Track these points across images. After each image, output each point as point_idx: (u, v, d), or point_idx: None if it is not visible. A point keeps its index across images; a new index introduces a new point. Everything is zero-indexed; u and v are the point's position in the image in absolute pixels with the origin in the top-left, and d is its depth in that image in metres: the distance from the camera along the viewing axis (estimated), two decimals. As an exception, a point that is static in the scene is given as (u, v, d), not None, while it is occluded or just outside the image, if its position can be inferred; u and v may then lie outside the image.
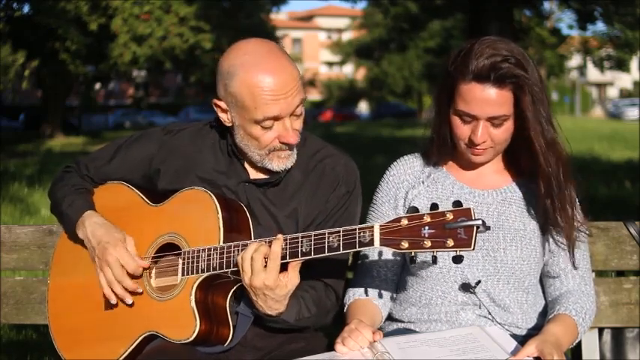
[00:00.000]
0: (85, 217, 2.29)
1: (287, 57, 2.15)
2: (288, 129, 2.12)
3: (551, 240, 2.22)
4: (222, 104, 2.16)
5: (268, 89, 2.07)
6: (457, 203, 1.84)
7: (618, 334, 2.49)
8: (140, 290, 2.19)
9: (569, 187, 2.20)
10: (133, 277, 2.19)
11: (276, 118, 2.11)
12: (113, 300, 2.20)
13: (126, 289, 2.18)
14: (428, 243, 1.83)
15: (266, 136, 2.13)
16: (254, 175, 2.26)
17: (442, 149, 2.26)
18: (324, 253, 1.95)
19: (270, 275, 1.99)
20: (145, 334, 2.16)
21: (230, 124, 2.19)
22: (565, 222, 2.19)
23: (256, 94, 2.07)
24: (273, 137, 2.13)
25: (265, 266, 1.99)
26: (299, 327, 2.18)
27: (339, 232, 1.94)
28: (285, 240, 1.99)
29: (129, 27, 27.14)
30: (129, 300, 2.19)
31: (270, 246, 2.00)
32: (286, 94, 2.08)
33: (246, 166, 2.26)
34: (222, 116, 2.19)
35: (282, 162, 2.18)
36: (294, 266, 2.01)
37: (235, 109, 2.14)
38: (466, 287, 2.19)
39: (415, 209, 1.88)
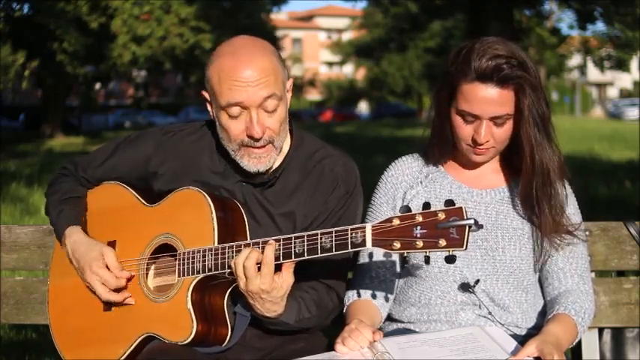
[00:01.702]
0: (66, 236, 2.30)
1: (269, 54, 2.13)
2: (253, 120, 2.10)
3: (548, 240, 2.22)
4: (206, 94, 2.18)
5: (233, 74, 2.08)
6: (449, 202, 1.82)
7: (618, 334, 2.49)
8: (131, 299, 2.20)
9: (555, 187, 2.19)
10: (120, 288, 2.20)
11: (242, 107, 2.10)
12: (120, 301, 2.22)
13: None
14: (420, 243, 1.82)
15: (234, 127, 2.12)
16: (250, 175, 2.25)
17: (443, 148, 2.26)
18: (317, 254, 1.94)
19: (265, 279, 1.99)
20: (143, 336, 2.15)
21: (213, 118, 2.20)
22: (549, 221, 2.18)
23: (222, 78, 2.09)
24: (242, 129, 2.12)
25: (259, 270, 1.99)
26: (300, 329, 2.18)
27: (331, 232, 1.93)
28: (279, 241, 1.99)
29: (129, 28, 27.13)
30: (131, 301, 2.20)
31: (262, 250, 1.99)
32: (251, 83, 2.07)
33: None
34: (208, 108, 2.20)
35: (253, 162, 2.16)
36: (288, 267, 2.01)
37: (211, 97, 2.16)
38: (465, 287, 2.19)
39: (407, 209, 1.86)
